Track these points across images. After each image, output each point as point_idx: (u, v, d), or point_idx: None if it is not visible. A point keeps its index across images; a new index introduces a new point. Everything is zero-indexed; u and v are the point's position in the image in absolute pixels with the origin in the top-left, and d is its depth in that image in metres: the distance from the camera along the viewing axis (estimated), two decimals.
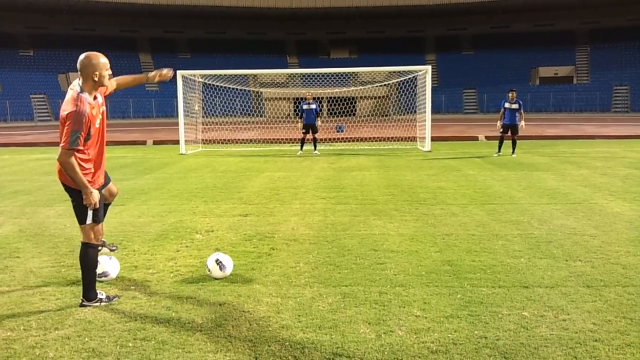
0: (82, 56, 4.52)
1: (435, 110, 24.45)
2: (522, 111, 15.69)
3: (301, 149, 17.42)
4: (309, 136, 17.32)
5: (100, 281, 4.96)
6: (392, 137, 21.26)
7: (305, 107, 17.11)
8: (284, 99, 48.07)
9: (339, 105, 28.47)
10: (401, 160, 15.13)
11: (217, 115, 25.22)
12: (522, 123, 15.72)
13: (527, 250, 5.84)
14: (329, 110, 33.66)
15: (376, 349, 3.61)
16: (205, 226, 7.23)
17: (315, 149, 17.38)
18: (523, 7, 56.70)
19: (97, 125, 4.53)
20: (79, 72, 4.53)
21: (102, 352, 3.63)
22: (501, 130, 15.93)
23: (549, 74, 55.39)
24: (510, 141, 15.88)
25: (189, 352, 3.60)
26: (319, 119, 17.30)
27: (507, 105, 15.71)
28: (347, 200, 8.99)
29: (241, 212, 8.09)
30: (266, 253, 5.90)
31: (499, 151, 15.98)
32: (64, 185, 4.57)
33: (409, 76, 21.40)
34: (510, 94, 15.71)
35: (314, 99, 17.46)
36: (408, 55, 50.29)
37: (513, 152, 15.85)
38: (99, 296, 4.50)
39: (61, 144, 4.28)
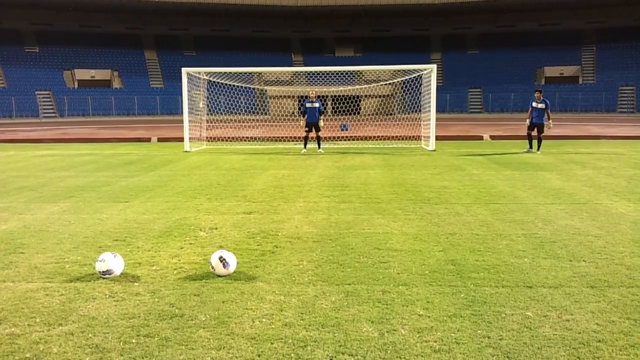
0: None
1: (439, 109, 24.35)
2: (549, 111, 16.27)
3: (305, 147, 17.39)
4: (312, 134, 17.29)
5: (104, 278, 4.98)
6: (396, 136, 21.21)
7: (308, 105, 17.05)
8: (289, 97, 48.05)
9: (343, 103, 28.45)
10: (405, 159, 15.11)
11: (221, 113, 25.20)
12: (550, 123, 16.24)
13: (531, 250, 5.83)
14: (333, 108, 33.63)
15: (379, 348, 3.61)
16: (209, 224, 7.24)
17: (319, 147, 17.35)
18: (529, 6, 56.52)
19: None
20: None
21: (106, 348, 3.64)
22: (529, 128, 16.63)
23: (555, 73, 55.20)
24: (536, 139, 16.44)
25: (192, 349, 3.61)
26: (322, 117, 17.22)
27: (534, 104, 16.41)
28: (351, 198, 8.98)
29: (245, 210, 8.10)
30: (270, 251, 5.90)
31: (531, 147, 16.47)
32: None
33: (414, 75, 21.34)
34: (536, 94, 16.49)
35: (317, 97, 17.38)
36: (413, 54, 50.21)
37: (538, 149, 16.32)
38: None
39: None
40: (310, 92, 17.31)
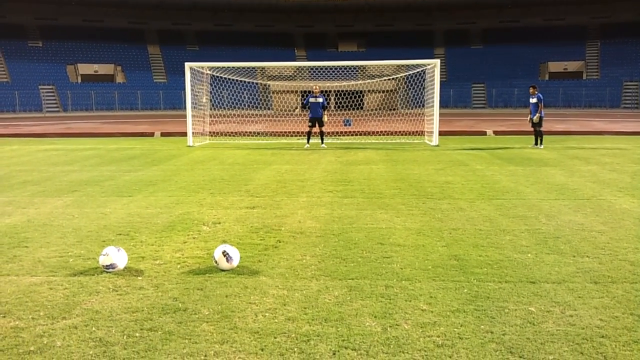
0: None
1: (443, 104, 24.30)
2: (541, 104, 16.40)
3: (308, 142, 17.36)
4: (316, 129, 17.26)
5: (107, 272, 4.99)
6: (399, 131, 21.19)
7: (312, 100, 16.99)
8: (292, 91, 47.97)
9: (346, 98, 28.40)
10: (409, 154, 15.09)
11: (224, 108, 25.24)
12: (536, 115, 16.33)
13: (534, 246, 5.82)
14: (336, 103, 33.54)
15: (382, 342, 3.62)
16: (212, 218, 7.25)
17: (322, 142, 17.32)
18: (533, 1, 56.27)
19: None
20: None
21: (109, 341, 3.65)
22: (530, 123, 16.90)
23: (559, 69, 54.96)
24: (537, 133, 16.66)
25: (195, 343, 3.62)
26: (325, 112, 17.19)
27: (530, 100, 16.78)
28: (354, 193, 8.98)
29: (248, 205, 8.11)
30: (273, 245, 5.91)
31: (535, 143, 16.64)
32: None
33: (418, 70, 21.29)
34: (530, 90, 16.80)
35: (321, 92, 17.34)
36: (417, 49, 50.09)
37: (540, 143, 16.42)
38: None
39: None
40: (314, 87, 17.26)
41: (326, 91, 29.92)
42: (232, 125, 24.15)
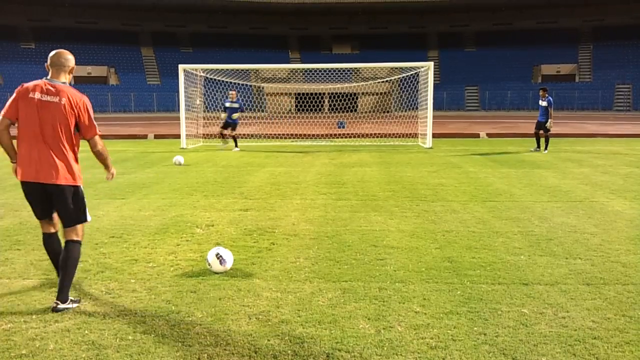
0: (59, 53, 4.65)
1: (436, 107, 24.35)
2: (551, 109, 15.76)
3: (236, 145, 17.40)
4: (227, 132, 17.49)
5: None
6: (393, 134, 21.22)
7: (227, 104, 17.43)
8: (286, 94, 48.00)
9: (340, 101, 28.45)
10: (402, 156, 15.12)
11: (218, 110, 25.18)
12: (549, 122, 15.73)
13: (527, 248, 5.84)
14: (330, 105, 33.58)
15: (375, 344, 3.62)
16: (205, 220, 7.24)
17: (236, 146, 17.39)
18: (526, 4, 56.56)
19: None
20: (58, 67, 4.70)
21: (102, 344, 3.63)
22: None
23: (552, 71, 55.24)
24: (543, 137, 16.04)
25: (189, 346, 3.61)
26: (238, 113, 17.45)
27: (539, 102, 16.16)
28: (347, 196, 8.99)
29: (242, 207, 8.10)
30: (266, 248, 5.90)
31: (538, 147, 16.05)
32: (64, 187, 4.27)
33: (411, 72, 21.34)
34: (540, 92, 16.21)
35: (237, 98, 17.66)
36: (410, 52, 50.20)
37: (545, 147, 15.91)
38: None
39: (94, 133, 4.45)
40: (231, 93, 17.55)
41: (320, 93, 29.89)
42: None
